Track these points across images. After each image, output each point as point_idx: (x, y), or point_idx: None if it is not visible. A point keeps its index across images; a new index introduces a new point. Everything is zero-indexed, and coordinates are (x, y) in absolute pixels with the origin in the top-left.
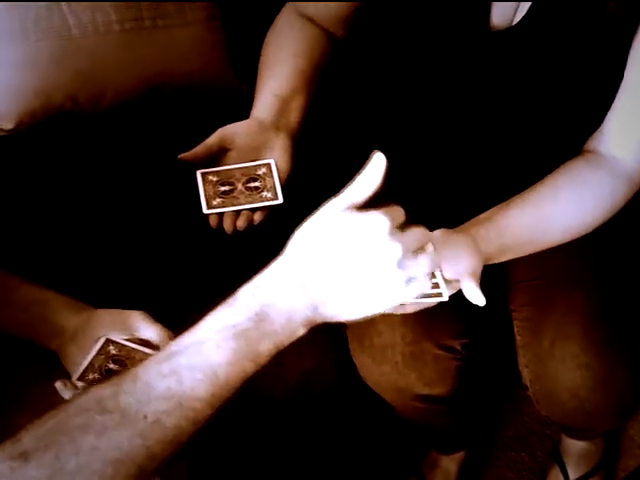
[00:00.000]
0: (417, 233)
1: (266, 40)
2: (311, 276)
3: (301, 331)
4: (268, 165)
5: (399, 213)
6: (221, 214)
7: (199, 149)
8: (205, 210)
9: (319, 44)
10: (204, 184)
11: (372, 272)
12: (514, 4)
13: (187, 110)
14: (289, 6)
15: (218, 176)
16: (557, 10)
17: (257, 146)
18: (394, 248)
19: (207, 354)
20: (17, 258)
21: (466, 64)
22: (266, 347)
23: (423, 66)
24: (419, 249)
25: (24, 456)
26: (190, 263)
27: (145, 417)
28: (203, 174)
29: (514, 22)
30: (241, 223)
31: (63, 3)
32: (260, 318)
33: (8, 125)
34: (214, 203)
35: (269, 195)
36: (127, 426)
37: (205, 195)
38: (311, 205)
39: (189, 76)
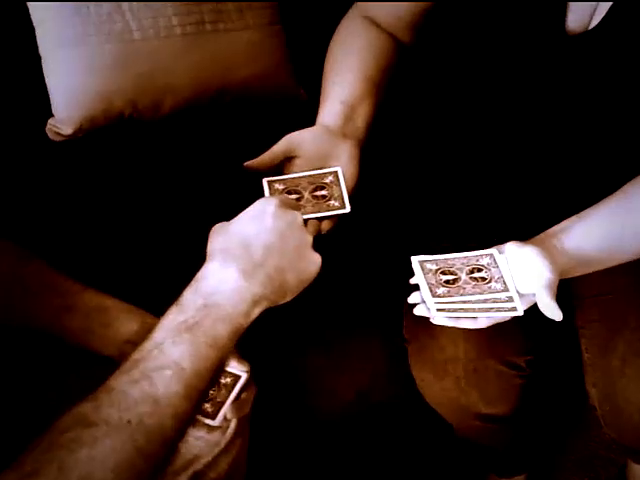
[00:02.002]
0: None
1: (331, 45)
2: (249, 258)
3: (256, 311)
4: (335, 173)
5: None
6: None
7: (265, 157)
8: None
9: (386, 51)
10: (270, 193)
11: (296, 255)
12: (591, 8)
13: (246, 116)
14: (355, 10)
15: (284, 184)
16: (637, 13)
17: (324, 154)
18: (307, 237)
19: (168, 352)
20: (74, 263)
21: (540, 69)
22: (223, 331)
23: (495, 71)
24: None
25: (31, 475)
26: None
27: (129, 422)
28: (269, 182)
29: (590, 26)
30: (309, 232)
31: (126, 7)
32: (207, 307)
33: (67, 130)
34: None
35: (336, 204)
36: (115, 433)
37: None
38: (378, 214)
39: (249, 81)
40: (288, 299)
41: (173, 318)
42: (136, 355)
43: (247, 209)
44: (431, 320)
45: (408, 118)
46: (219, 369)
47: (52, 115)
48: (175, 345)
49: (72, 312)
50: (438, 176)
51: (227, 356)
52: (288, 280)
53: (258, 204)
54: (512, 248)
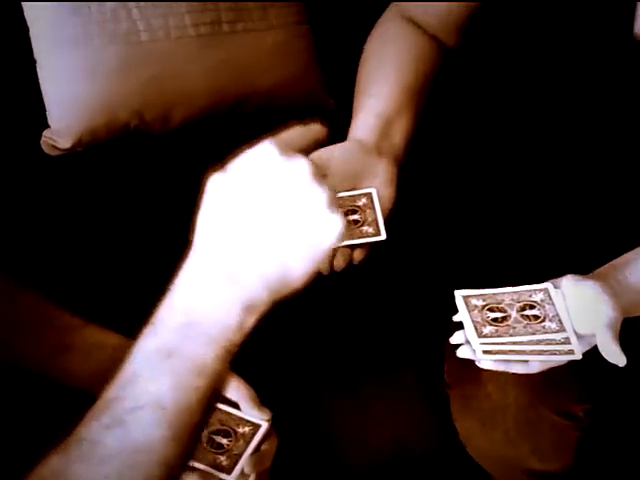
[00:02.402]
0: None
1: (365, 49)
2: (234, 253)
3: (250, 320)
4: (369, 195)
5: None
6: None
7: None
8: None
9: (428, 55)
10: None
11: (302, 219)
12: None
13: (268, 129)
14: (393, 9)
15: None
16: None
17: (356, 173)
18: (320, 192)
19: (144, 388)
20: (72, 293)
21: (604, 78)
22: (210, 354)
23: (551, 80)
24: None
25: None
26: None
27: (107, 478)
28: None
29: None
30: (339, 262)
31: (132, 4)
32: (188, 326)
33: (65, 143)
34: None
35: (370, 230)
36: None
37: None
38: (417, 242)
39: (272, 89)
40: (297, 287)
41: (147, 343)
42: (107, 393)
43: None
44: (477, 363)
45: (451, 132)
46: (214, 397)
47: (48, 126)
48: (152, 378)
49: (71, 350)
50: (484, 198)
51: (223, 379)
52: (293, 263)
53: (253, 154)
54: (569, 282)
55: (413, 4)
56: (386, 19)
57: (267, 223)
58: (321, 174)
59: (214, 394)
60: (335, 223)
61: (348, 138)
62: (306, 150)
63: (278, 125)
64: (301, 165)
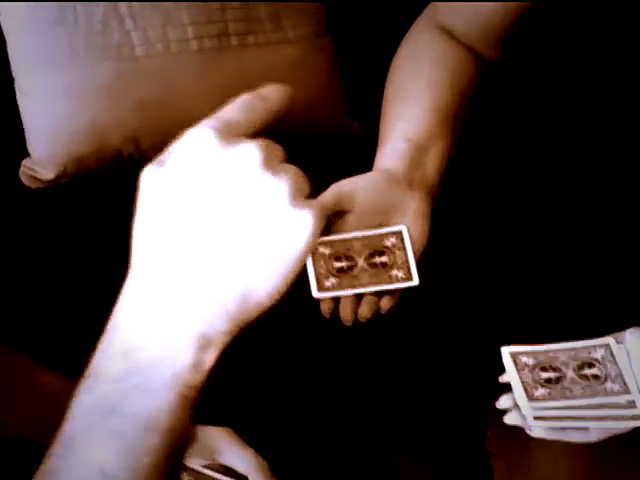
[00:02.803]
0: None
1: (394, 63)
2: (180, 272)
3: (208, 356)
4: (399, 234)
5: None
6: (337, 299)
7: None
8: (315, 293)
9: (466, 70)
10: (313, 258)
11: (259, 222)
12: None
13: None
14: (425, 17)
15: (332, 248)
16: None
17: (384, 208)
18: (278, 183)
19: (85, 457)
20: (61, 352)
21: None
22: (163, 404)
23: (599, 94)
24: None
25: None
26: (291, 362)
27: None
28: None
29: None
30: (364, 311)
31: (125, 13)
32: (130, 374)
33: (48, 174)
34: (327, 284)
35: (400, 274)
36: None
37: (315, 273)
38: (455, 288)
39: (288, 112)
40: (264, 308)
41: (85, 399)
42: (45, 464)
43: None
44: (526, 431)
45: (493, 159)
46: (177, 453)
47: (28, 154)
48: (94, 442)
49: (61, 419)
50: (534, 236)
51: (184, 433)
52: (256, 279)
53: (188, 143)
54: (634, 337)
55: (449, 11)
56: (418, 29)
57: (216, 230)
58: (279, 159)
59: (175, 452)
60: (303, 221)
61: (374, 167)
62: (259, 128)
63: (293, 153)
64: (248, 152)
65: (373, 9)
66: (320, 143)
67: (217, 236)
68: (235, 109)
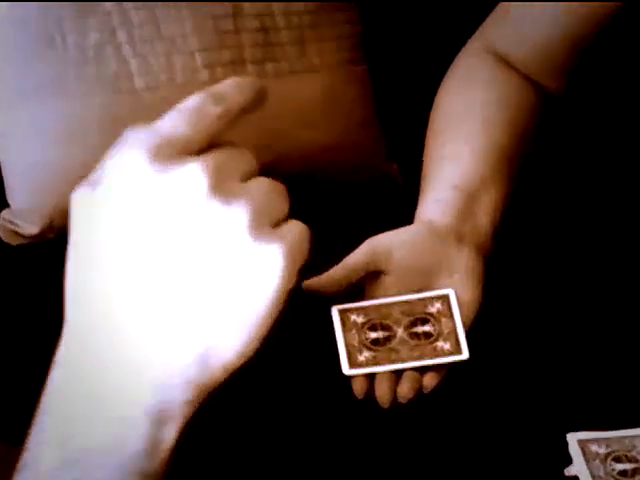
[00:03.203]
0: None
1: (440, 95)
2: (124, 328)
3: (169, 431)
4: (445, 298)
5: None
6: (371, 376)
7: (336, 272)
8: (346, 370)
9: (525, 103)
10: (344, 328)
11: (215, 261)
12: None
13: (307, 207)
14: (477, 42)
15: (366, 315)
16: None
17: (428, 268)
18: (234, 210)
19: None
20: None
21: None
22: None
23: None
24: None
25: None
26: (318, 450)
27: None
28: (342, 312)
29: None
30: (404, 390)
31: (123, 38)
32: (70, 466)
33: (31, 229)
34: (360, 359)
35: (447, 347)
36: None
37: (346, 346)
38: (510, 363)
39: (313, 152)
40: (232, 369)
41: None
42: None
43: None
44: None
45: (556, 208)
46: None
47: (7, 205)
48: None
49: None
50: (605, 302)
51: None
52: (220, 335)
53: (120, 162)
54: None
55: (504, 34)
56: (468, 54)
57: (161, 275)
58: (242, 173)
59: None
60: (270, 259)
61: (416, 219)
62: (213, 139)
63: (319, 201)
64: (190, 176)
65: (414, 30)
66: (352, 189)
67: (163, 283)
68: (178, 118)
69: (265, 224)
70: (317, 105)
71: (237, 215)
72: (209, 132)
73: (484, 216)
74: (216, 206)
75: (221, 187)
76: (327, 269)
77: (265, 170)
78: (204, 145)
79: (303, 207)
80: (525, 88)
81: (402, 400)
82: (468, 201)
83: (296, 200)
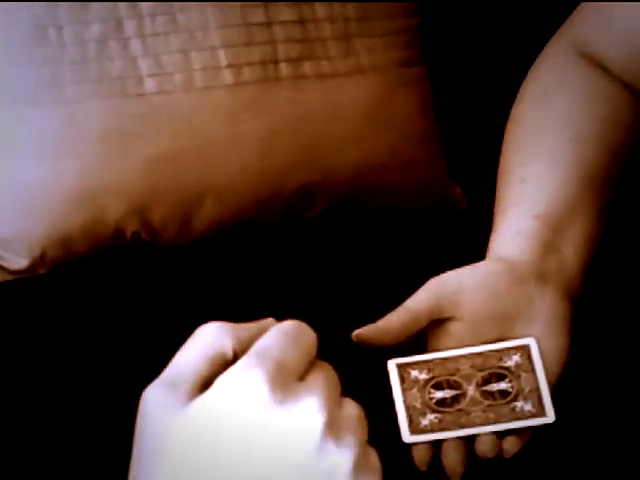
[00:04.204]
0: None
1: (518, 103)
2: None
3: None
4: (525, 349)
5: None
6: (437, 443)
7: (392, 320)
8: (406, 437)
9: (623, 116)
10: (403, 386)
11: None
12: None
13: (354, 239)
14: (565, 40)
15: (430, 371)
16: None
17: (503, 313)
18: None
19: None
20: None
21: None
22: None
23: None
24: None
25: None
26: None
27: None
28: (401, 367)
29: None
30: (484, 450)
31: (131, 32)
32: None
33: (19, 262)
34: (424, 423)
35: (528, 407)
36: None
37: (406, 408)
38: (603, 425)
39: (361, 171)
40: None
41: None
42: None
43: None
44: None
45: None
46: None
47: None
48: None
49: None
50: None
51: None
52: None
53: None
54: None
55: (600, 33)
56: (553, 53)
57: None
58: (338, 403)
59: None
60: None
61: (488, 255)
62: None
63: (369, 232)
64: (309, 413)
65: (484, 25)
66: (408, 217)
67: None
68: (284, 340)
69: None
70: (364, 114)
71: (342, 458)
72: (311, 357)
73: (572, 251)
74: (327, 448)
75: (333, 428)
76: (381, 316)
77: (311, 191)
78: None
79: (351, 239)
80: (623, 97)
81: (482, 457)
82: (553, 233)
83: (345, 231)
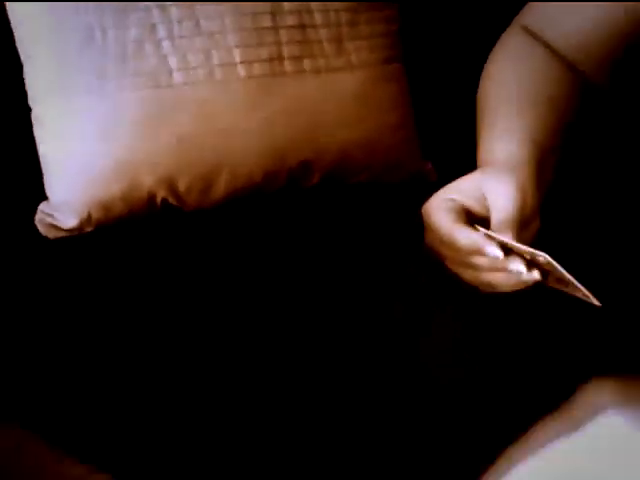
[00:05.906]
0: None
1: (481, 87)
2: None
3: None
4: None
5: None
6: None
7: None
8: None
9: (564, 91)
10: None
11: None
12: None
13: (345, 207)
14: (515, 27)
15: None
16: None
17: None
18: None
19: None
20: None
21: None
22: None
23: None
24: None
25: None
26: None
27: None
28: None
29: None
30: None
31: (163, 34)
32: None
33: (69, 221)
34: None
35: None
36: None
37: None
38: None
39: (350, 151)
40: None
41: None
42: None
43: None
44: None
45: (592, 206)
46: None
47: (45, 198)
48: None
49: None
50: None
51: None
52: None
53: None
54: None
55: (546, 23)
56: (508, 35)
57: None
58: None
59: None
60: None
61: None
62: None
63: (356, 201)
64: None
65: (452, 29)
66: (388, 187)
67: None
68: None
69: None
70: (353, 103)
71: None
72: None
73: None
74: None
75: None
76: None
77: (309, 165)
78: None
79: (341, 206)
80: (567, 76)
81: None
82: (542, 159)
83: (332, 200)
